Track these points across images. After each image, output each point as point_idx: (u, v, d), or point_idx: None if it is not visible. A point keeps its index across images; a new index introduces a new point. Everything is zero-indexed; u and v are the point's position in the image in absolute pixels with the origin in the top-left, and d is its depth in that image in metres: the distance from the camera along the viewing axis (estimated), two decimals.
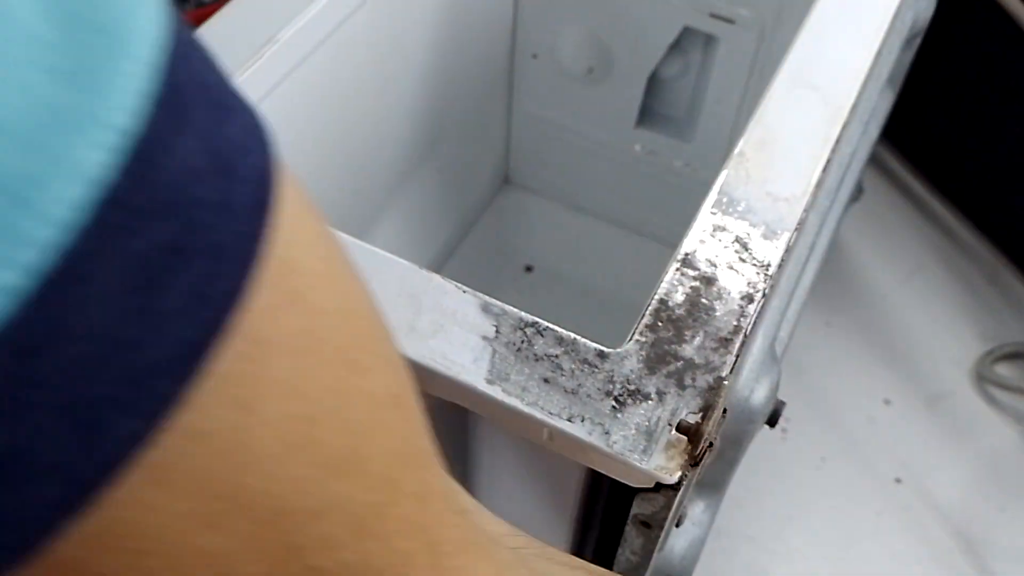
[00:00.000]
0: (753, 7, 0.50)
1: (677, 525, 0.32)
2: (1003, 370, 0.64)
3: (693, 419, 0.26)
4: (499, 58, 0.60)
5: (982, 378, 0.64)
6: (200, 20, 0.84)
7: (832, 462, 0.60)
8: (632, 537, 0.29)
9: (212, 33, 0.37)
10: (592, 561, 0.28)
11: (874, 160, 0.76)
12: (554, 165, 0.66)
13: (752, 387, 0.31)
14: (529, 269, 0.67)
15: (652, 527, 0.29)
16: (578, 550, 0.34)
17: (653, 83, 0.58)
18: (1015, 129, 0.65)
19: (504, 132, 0.65)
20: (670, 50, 0.56)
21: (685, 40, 0.55)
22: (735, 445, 0.32)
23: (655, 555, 0.31)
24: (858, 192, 0.64)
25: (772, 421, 0.32)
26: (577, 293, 0.65)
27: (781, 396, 0.62)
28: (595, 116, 0.61)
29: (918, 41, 0.47)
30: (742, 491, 0.57)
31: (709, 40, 0.55)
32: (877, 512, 0.58)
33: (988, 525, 0.58)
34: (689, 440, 0.25)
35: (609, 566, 0.32)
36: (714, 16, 0.52)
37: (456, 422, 0.36)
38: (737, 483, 0.56)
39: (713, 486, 0.34)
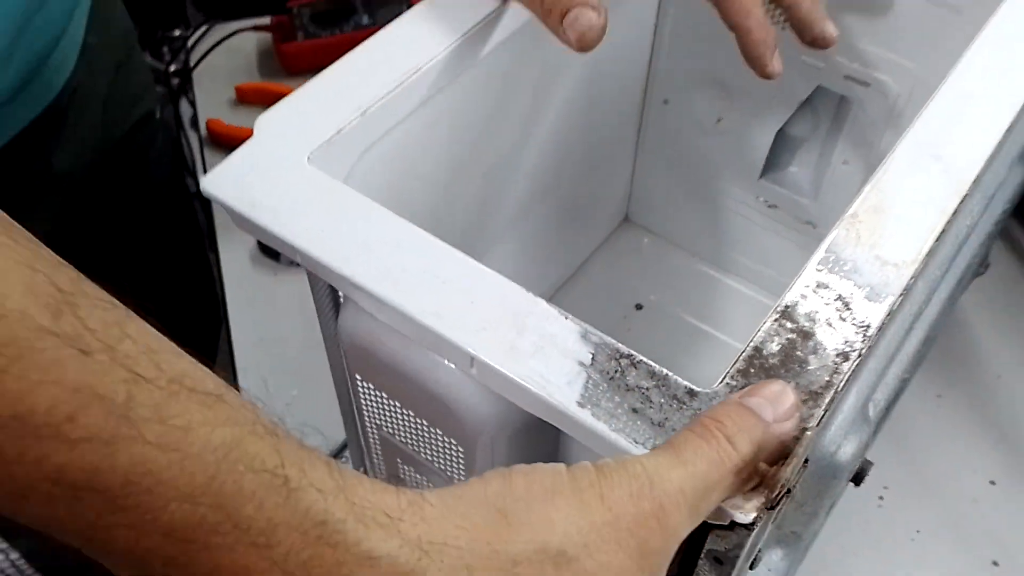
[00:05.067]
0: (891, 73, 0.51)
1: (752, 567, 0.33)
2: None
3: (772, 465, 0.27)
4: (632, 100, 0.62)
5: None
6: (311, 51, 0.89)
7: (927, 536, 0.58)
8: (705, 572, 0.30)
9: (359, 61, 0.40)
10: None
11: (1006, 235, 0.74)
12: (674, 208, 0.67)
13: (839, 443, 0.32)
14: (639, 307, 0.68)
15: (724, 564, 0.29)
16: None
17: (781, 137, 0.58)
18: None
19: (629, 171, 0.67)
20: (801, 107, 0.56)
21: (817, 99, 0.56)
22: (817, 498, 0.33)
23: None
24: (984, 266, 0.63)
25: (857, 479, 0.33)
26: (684, 335, 0.66)
27: (882, 462, 0.60)
28: (719, 164, 0.62)
29: None
30: (832, 552, 0.57)
31: (842, 101, 0.55)
32: None
33: None
34: (765, 484, 0.26)
35: None
36: (849, 78, 0.52)
37: (549, 443, 0.37)
38: (826, 542, 0.56)
39: (793, 536, 0.35)
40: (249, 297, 0.71)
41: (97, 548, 0.23)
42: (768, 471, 0.26)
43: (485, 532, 0.24)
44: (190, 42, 0.87)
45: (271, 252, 0.72)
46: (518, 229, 0.60)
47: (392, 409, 0.38)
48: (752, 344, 0.31)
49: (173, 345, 0.24)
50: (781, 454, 0.27)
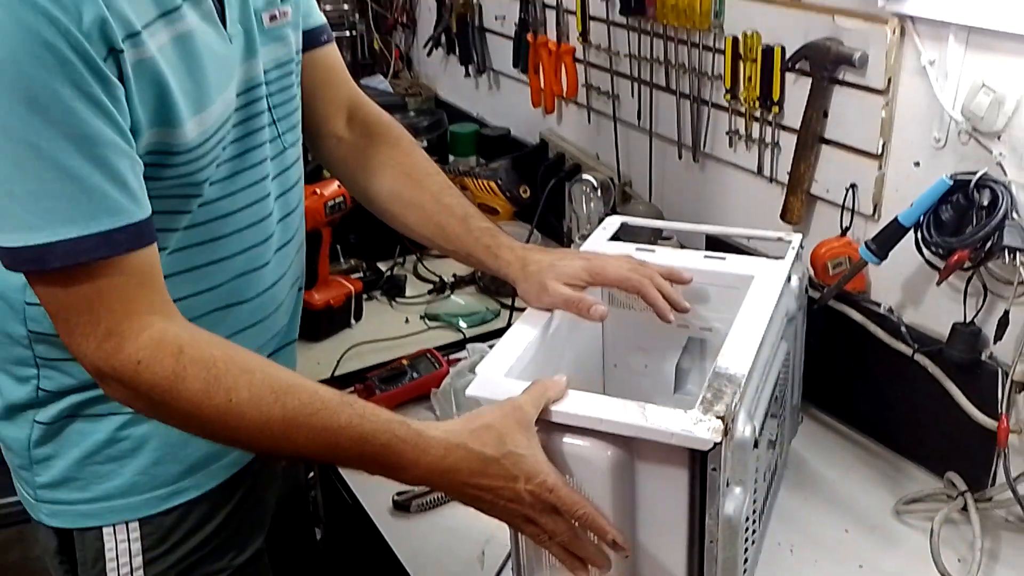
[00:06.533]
0: (719, 322, 1.08)
1: (728, 485, 0.81)
2: (910, 507, 1.11)
3: (722, 414, 0.78)
4: (596, 366, 1.16)
5: (899, 513, 1.10)
6: (385, 399, 1.41)
7: (822, 563, 1.05)
8: (710, 478, 0.78)
9: (508, 339, 0.93)
10: (699, 509, 0.78)
11: (809, 415, 1.28)
12: None
13: (743, 428, 0.82)
14: None
15: (716, 470, 0.78)
16: (691, 502, 0.82)
17: (678, 369, 1.13)
18: (883, 388, 1.19)
19: None
20: (684, 350, 1.12)
21: (690, 343, 1.12)
22: (742, 455, 0.82)
23: (719, 501, 0.80)
24: (800, 418, 1.17)
25: (756, 445, 0.83)
26: None
27: (786, 529, 1.09)
28: (651, 391, 1.15)
29: (798, 317, 1.04)
30: None
31: (702, 342, 1.11)
32: None
33: None
34: (721, 420, 0.77)
35: (704, 511, 0.80)
36: (702, 328, 1.09)
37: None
38: None
39: (740, 481, 0.83)
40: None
41: (360, 463, 0.78)
42: (722, 417, 0.77)
43: (465, 424, 0.81)
44: None
45: (402, 506, 1.16)
46: None
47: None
48: (701, 395, 0.82)
49: (372, 404, 0.79)
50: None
